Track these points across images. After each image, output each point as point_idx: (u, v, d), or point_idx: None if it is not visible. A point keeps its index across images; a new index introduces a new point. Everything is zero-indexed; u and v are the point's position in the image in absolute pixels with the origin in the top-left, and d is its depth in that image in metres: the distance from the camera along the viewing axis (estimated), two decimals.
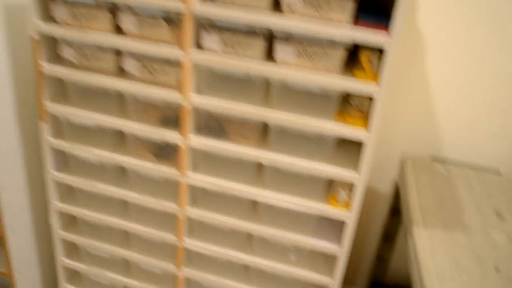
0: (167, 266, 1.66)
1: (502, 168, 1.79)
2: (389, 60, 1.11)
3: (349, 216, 1.33)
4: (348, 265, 2.01)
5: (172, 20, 1.27)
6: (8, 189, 1.67)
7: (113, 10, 1.32)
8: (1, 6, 1.46)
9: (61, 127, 1.57)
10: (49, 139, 1.54)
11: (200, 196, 1.54)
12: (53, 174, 1.61)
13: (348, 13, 1.12)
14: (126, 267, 1.79)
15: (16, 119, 1.63)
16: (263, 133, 1.39)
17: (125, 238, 1.73)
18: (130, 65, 1.37)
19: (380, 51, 1.16)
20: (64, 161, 1.64)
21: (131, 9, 1.29)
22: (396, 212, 1.88)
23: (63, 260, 1.81)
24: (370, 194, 1.99)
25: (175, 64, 1.32)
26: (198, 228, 1.60)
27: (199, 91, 1.36)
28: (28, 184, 1.76)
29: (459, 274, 1.11)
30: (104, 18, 1.32)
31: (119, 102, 1.49)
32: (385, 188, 1.98)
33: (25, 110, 1.66)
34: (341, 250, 1.39)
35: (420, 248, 1.21)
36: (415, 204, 1.41)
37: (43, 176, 1.81)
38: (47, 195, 1.66)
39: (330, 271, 1.48)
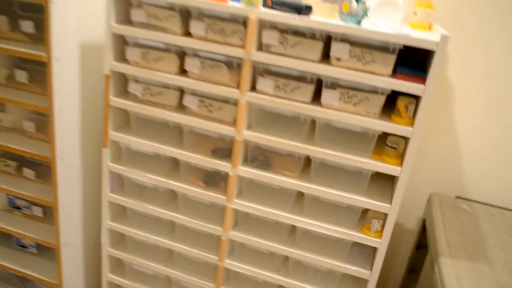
0: (207, 284, 1.79)
1: None
2: (424, 106, 1.28)
3: (381, 243, 1.47)
4: None
5: (231, 64, 1.46)
6: (67, 206, 1.85)
7: (180, 54, 1.52)
8: (78, 45, 1.66)
9: (120, 153, 1.75)
10: (109, 164, 1.72)
11: (241, 220, 1.70)
12: (109, 195, 1.78)
13: (389, 66, 1.30)
14: (167, 284, 1.93)
15: (80, 145, 1.81)
16: (305, 165, 1.56)
17: (169, 257, 1.88)
18: (190, 101, 1.56)
19: (415, 98, 1.33)
20: (120, 183, 1.81)
21: (196, 54, 1.48)
22: (420, 247, 2.01)
23: (109, 276, 1.96)
24: (397, 230, 2.12)
25: (231, 102, 1.50)
26: (238, 250, 1.75)
27: (249, 126, 1.53)
28: (83, 203, 1.93)
29: None
30: (171, 60, 1.52)
31: (175, 133, 1.67)
32: (411, 225, 2.12)
33: (87, 137, 1.85)
34: (372, 274, 1.53)
35: (446, 275, 1.34)
36: (442, 237, 1.55)
37: (97, 197, 1.99)
38: (99, 214, 1.82)
39: None
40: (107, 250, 1.90)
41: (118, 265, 2.00)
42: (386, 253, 1.58)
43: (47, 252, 2.10)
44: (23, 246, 2.10)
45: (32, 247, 2.09)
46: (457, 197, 1.96)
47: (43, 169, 1.89)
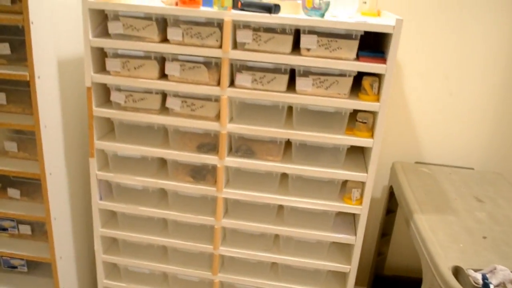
0: (204, 274, 1.91)
1: (474, 165, 2.18)
2: (387, 82, 1.47)
3: (362, 209, 1.66)
4: None
5: (210, 64, 1.59)
6: (58, 219, 1.90)
7: (159, 59, 1.62)
8: (56, 61, 1.73)
9: (107, 161, 1.83)
10: (97, 172, 1.80)
11: (230, 208, 1.83)
12: (99, 203, 1.85)
13: (353, 51, 1.48)
14: (164, 280, 2.03)
15: (66, 158, 1.87)
16: (286, 148, 1.71)
17: (163, 253, 1.98)
18: (173, 103, 1.67)
19: (377, 76, 1.52)
20: (108, 190, 1.89)
21: (176, 58, 1.59)
22: (389, 212, 2.22)
23: (105, 282, 2.02)
24: None
25: (212, 99, 1.63)
26: (230, 236, 1.87)
27: (231, 119, 1.67)
28: (72, 214, 1.98)
29: (456, 243, 1.44)
30: (152, 66, 1.62)
31: (159, 134, 1.76)
32: (377, 194, 2.33)
33: (72, 149, 1.91)
34: (357, 239, 1.71)
35: (422, 228, 1.54)
36: (411, 198, 1.75)
37: (85, 206, 2.05)
38: (89, 222, 1.87)
39: (348, 260, 1.79)
40: (101, 256, 1.96)
41: (113, 270, 2.06)
42: None
43: (37, 269, 2.13)
44: (13, 267, 2.11)
45: (22, 266, 2.11)
46: (416, 162, 2.18)
47: (28, 187, 1.93)
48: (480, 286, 1.17)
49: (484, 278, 1.18)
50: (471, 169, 2.12)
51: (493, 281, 1.19)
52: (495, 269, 1.23)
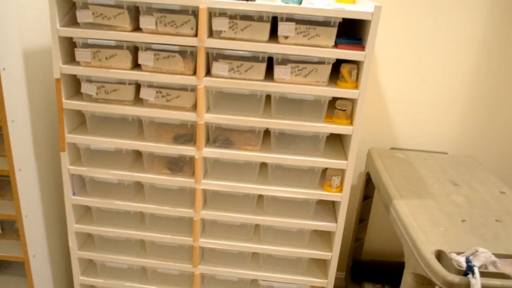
0: (184, 266, 1.88)
1: (447, 150, 2.21)
2: (366, 69, 1.46)
3: (342, 196, 1.65)
4: None
5: (185, 53, 1.54)
6: (30, 216, 1.83)
7: (132, 49, 1.57)
8: (22, 52, 1.64)
9: (79, 155, 1.76)
10: (69, 167, 1.73)
11: (209, 199, 1.80)
12: (73, 198, 1.79)
13: (331, 38, 1.46)
14: (143, 274, 1.99)
15: (35, 153, 1.80)
16: (265, 137, 1.69)
17: (141, 247, 1.94)
18: (147, 94, 1.61)
19: (355, 63, 1.50)
20: (81, 184, 1.83)
21: (149, 48, 1.54)
22: (366, 198, 2.24)
23: (81, 279, 1.97)
24: None
25: (188, 89, 1.58)
26: (209, 227, 1.85)
27: (208, 109, 1.63)
28: (44, 211, 1.92)
29: (436, 227, 1.46)
30: (124, 56, 1.56)
31: (133, 126, 1.71)
32: (354, 180, 2.34)
33: (41, 144, 1.83)
34: (338, 226, 1.71)
35: (402, 213, 1.55)
36: (389, 183, 1.76)
37: (56, 202, 1.98)
38: (62, 219, 1.82)
39: (329, 247, 1.79)
40: (76, 253, 1.91)
41: (89, 266, 2.01)
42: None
43: (9, 268, 2.06)
44: None
45: None
46: (392, 148, 2.20)
47: None
48: (464, 268, 1.19)
49: (468, 261, 1.20)
50: (445, 154, 2.15)
51: (476, 263, 1.21)
52: (476, 251, 1.25)
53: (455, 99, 2.15)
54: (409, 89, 2.13)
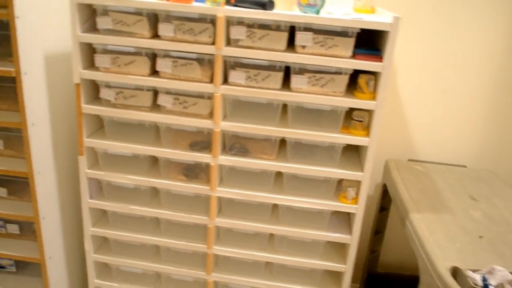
0: (198, 273, 1.88)
1: (466, 163, 2.17)
2: (384, 80, 1.44)
3: (357, 208, 1.64)
4: None
5: (203, 61, 1.55)
6: (47, 218, 1.85)
7: (150, 56, 1.58)
8: (43, 57, 1.67)
9: (97, 159, 1.78)
10: (87, 171, 1.75)
11: (224, 206, 1.80)
12: (90, 202, 1.81)
13: (349, 49, 1.45)
14: (157, 280, 2.00)
15: (54, 156, 1.83)
16: (281, 147, 1.68)
17: (156, 253, 1.95)
18: (164, 100, 1.63)
19: (373, 74, 1.49)
20: (98, 188, 1.85)
21: (167, 55, 1.55)
22: (382, 209, 2.21)
23: (96, 282, 1.98)
24: None
25: (205, 96, 1.59)
26: (224, 235, 1.85)
27: (224, 117, 1.63)
28: (62, 213, 1.94)
29: (452, 243, 1.43)
30: (142, 63, 1.58)
31: (151, 132, 1.73)
32: (370, 191, 2.31)
33: (60, 147, 1.86)
34: (353, 238, 1.69)
35: (418, 228, 1.52)
36: (406, 196, 1.73)
37: (74, 205, 2.01)
38: (79, 222, 1.83)
39: (343, 259, 1.77)
40: (92, 256, 1.93)
41: (104, 269, 2.03)
42: None
43: (26, 268, 2.09)
44: (1, 267, 2.07)
45: (11, 266, 2.07)
46: (409, 160, 2.17)
47: (16, 186, 1.88)
48: (480, 287, 1.16)
49: (484, 279, 1.17)
50: (464, 167, 2.11)
51: (492, 282, 1.18)
52: (493, 269, 1.22)
53: (476, 111, 2.10)
54: (428, 100, 2.10)
